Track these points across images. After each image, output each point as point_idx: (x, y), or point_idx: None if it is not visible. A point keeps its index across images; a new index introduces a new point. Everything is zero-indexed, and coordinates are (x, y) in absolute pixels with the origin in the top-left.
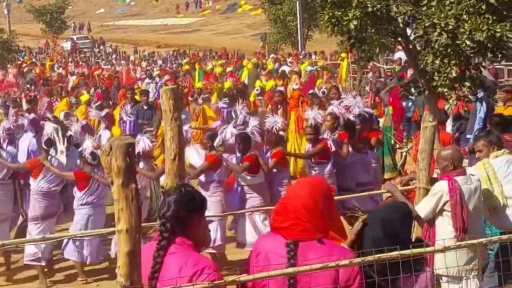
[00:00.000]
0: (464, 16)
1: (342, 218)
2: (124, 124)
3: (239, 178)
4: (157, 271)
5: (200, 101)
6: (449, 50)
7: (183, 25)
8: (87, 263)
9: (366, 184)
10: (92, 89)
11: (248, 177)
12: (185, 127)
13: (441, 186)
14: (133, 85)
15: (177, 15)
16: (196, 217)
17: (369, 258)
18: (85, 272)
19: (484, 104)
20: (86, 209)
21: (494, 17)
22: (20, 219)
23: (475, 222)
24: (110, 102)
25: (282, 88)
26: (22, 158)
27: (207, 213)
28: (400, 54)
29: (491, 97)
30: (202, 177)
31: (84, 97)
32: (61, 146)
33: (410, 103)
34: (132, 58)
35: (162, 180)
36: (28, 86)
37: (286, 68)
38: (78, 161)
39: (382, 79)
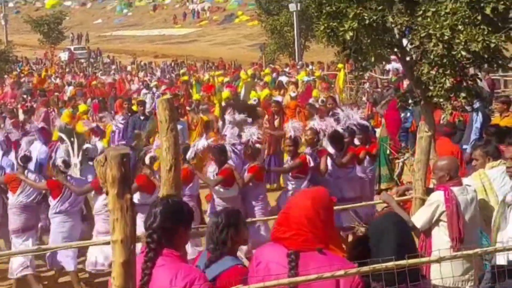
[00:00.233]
0: (460, 27)
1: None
2: (112, 133)
3: (212, 191)
4: (146, 283)
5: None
6: (444, 60)
7: (180, 36)
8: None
9: (350, 200)
10: (89, 100)
11: (221, 190)
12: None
13: (437, 197)
14: (128, 96)
15: (175, 26)
16: (183, 229)
17: (365, 268)
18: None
19: (480, 114)
20: (60, 217)
21: (489, 28)
22: None
23: (471, 232)
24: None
25: (279, 98)
26: (31, 166)
27: None
28: (392, 65)
29: (487, 108)
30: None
31: (82, 107)
32: (75, 159)
33: (408, 114)
34: (129, 68)
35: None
36: (25, 96)
37: (284, 79)
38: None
39: (379, 90)
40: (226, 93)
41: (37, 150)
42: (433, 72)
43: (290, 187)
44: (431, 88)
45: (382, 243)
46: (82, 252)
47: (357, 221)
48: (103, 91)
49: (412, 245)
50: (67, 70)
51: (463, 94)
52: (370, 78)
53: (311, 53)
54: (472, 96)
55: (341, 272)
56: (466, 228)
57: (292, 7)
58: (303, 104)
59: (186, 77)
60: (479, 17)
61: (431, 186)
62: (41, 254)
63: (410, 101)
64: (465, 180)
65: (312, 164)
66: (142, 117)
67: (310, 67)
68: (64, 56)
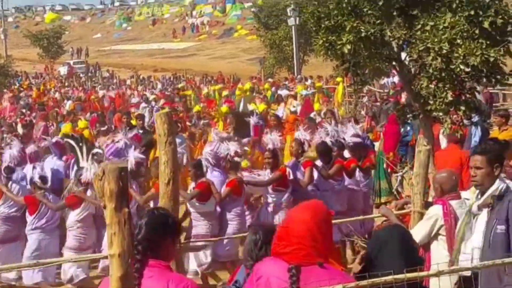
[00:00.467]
0: (458, 41)
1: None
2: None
3: (188, 205)
4: None
5: (201, 125)
6: (443, 74)
7: (179, 50)
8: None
9: (337, 214)
10: (88, 114)
11: (197, 204)
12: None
13: (436, 210)
14: (127, 109)
15: (174, 40)
16: (169, 240)
17: (363, 282)
18: None
19: (479, 128)
20: (36, 233)
21: (488, 42)
22: None
23: None
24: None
25: (280, 112)
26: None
27: None
28: (389, 79)
29: (485, 121)
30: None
31: (82, 123)
32: (84, 163)
33: (408, 128)
34: (128, 82)
35: None
36: (23, 110)
37: (284, 92)
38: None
39: (378, 104)
40: (224, 108)
41: (53, 165)
42: (432, 86)
43: (270, 200)
44: (431, 102)
45: (384, 253)
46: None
47: (356, 235)
48: (102, 105)
49: (414, 254)
50: (66, 84)
51: (462, 108)
52: (368, 92)
53: (310, 67)
54: (471, 110)
55: (340, 286)
56: None
57: (290, 21)
58: (302, 118)
59: (189, 92)
60: (478, 31)
61: (430, 199)
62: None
63: (409, 115)
64: (463, 194)
65: (291, 176)
66: (140, 131)
67: (309, 81)
68: (63, 70)
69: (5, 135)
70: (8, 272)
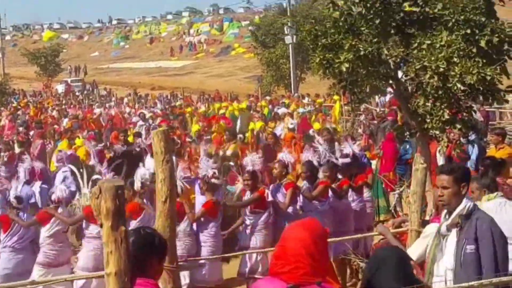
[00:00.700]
0: (455, 59)
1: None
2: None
3: None
4: None
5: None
6: (440, 92)
7: (177, 68)
8: None
9: None
10: (85, 132)
11: None
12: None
13: (433, 229)
14: (126, 125)
15: (171, 58)
16: (155, 259)
17: None
18: None
19: (476, 146)
20: (7, 252)
21: (484, 61)
22: None
23: None
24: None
25: (279, 130)
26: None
27: None
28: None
29: (482, 140)
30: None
31: (78, 141)
32: (84, 189)
33: (408, 146)
34: (126, 100)
35: None
36: (20, 129)
37: (282, 110)
38: None
39: (375, 122)
40: (221, 125)
41: (63, 176)
42: (429, 104)
43: (248, 222)
44: (428, 120)
45: (380, 271)
46: None
47: (354, 254)
48: (99, 124)
49: (413, 278)
50: (63, 102)
51: (459, 126)
52: (365, 110)
53: (307, 85)
54: (468, 128)
55: None
56: None
57: (288, 39)
58: (299, 136)
59: (190, 109)
60: (474, 50)
61: (427, 218)
62: None
63: (406, 133)
64: None
65: (270, 198)
66: (138, 149)
67: (307, 99)
68: (61, 88)
69: (1, 154)
70: None
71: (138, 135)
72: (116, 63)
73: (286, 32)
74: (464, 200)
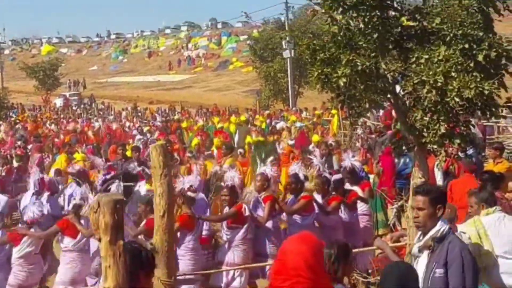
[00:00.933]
0: (453, 74)
1: None
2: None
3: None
4: None
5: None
6: (438, 107)
7: (175, 82)
8: None
9: None
10: (84, 146)
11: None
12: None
13: None
14: (124, 141)
15: (169, 72)
16: (143, 274)
17: None
18: None
19: (474, 160)
20: None
21: (482, 75)
22: None
23: None
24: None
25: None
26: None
27: None
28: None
29: (480, 154)
30: None
31: (78, 156)
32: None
33: (407, 160)
34: (124, 114)
35: None
36: (18, 143)
37: (280, 125)
38: None
39: (373, 136)
40: (216, 140)
41: (72, 190)
42: (426, 118)
43: (225, 238)
44: (425, 134)
45: (383, 285)
46: None
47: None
48: (97, 138)
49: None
50: (61, 116)
51: (457, 141)
52: (363, 124)
53: (305, 99)
54: (466, 143)
55: None
56: None
57: (286, 53)
58: (298, 150)
59: (185, 123)
60: (472, 64)
61: None
62: None
63: (404, 147)
64: (460, 227)
65: (247, 213)
66: (136, 163)
67: (304, 113)
68: (59, 102)
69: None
70: None
71: (136, 149)
72: (114, 77)
73: (284, 47)
74: (439, 223)
